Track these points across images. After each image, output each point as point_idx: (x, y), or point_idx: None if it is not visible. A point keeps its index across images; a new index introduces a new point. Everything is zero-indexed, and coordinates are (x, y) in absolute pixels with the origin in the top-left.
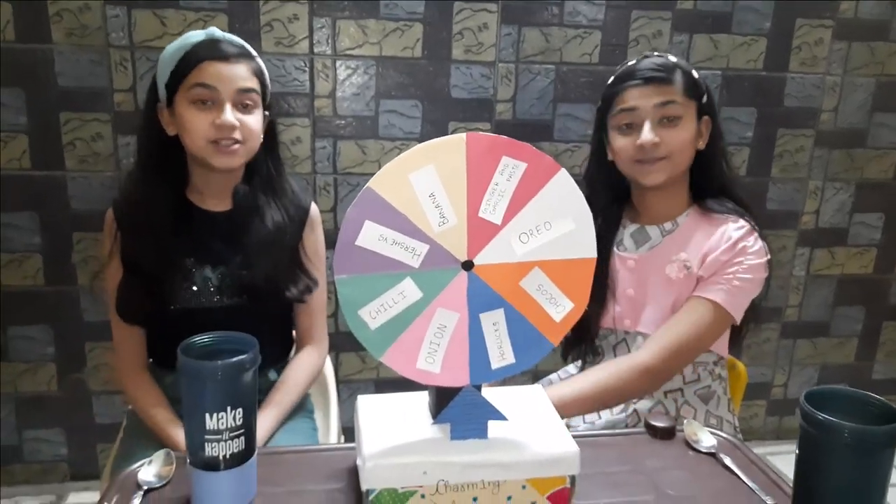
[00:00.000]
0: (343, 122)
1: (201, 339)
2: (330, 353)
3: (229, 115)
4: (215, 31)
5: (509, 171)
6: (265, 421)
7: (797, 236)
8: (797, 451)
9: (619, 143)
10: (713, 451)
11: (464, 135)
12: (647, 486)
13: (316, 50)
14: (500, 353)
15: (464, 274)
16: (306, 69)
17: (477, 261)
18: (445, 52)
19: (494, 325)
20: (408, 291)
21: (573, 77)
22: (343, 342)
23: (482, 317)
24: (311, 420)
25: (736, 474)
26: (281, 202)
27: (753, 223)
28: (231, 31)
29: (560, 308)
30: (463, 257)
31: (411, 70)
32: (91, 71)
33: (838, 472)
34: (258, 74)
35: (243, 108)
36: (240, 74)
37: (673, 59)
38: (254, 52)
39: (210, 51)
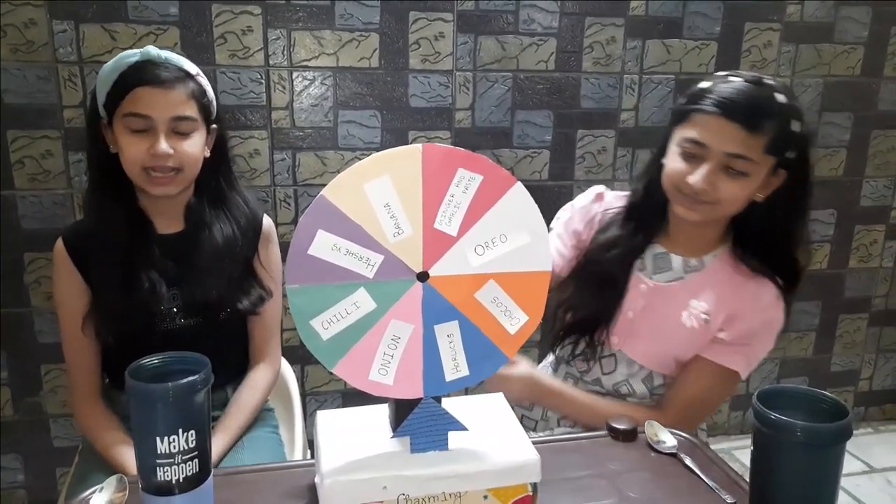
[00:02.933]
0: (301, 133)
1: (150, 360)
2: (296, 365)
3: (163, 144)
4: (151, 51)
5: (465, 182)
6: (215, 446)
7: None
8: (752, 449)
9: (672, 166)
10: (674, 451)
11: (420, 145)
12: (609, 489)
13: (271, 62)
14: (455, 366)
15: (419, 285)
16: (262, 81)
17: (432, 272)
18: (403, 61)
19: (449, 336)
20: (361, 302)
21: (530, 84)
22: (309, 354)
23: (437, 328)
24: (276, 435)
25: (697, 474)
26: (231, 215)
27: (783, 290)
28: (183, 44)
29: (515, 321)
30: (418, 268)
31: (369, 80)
32: (39, 87)
33: (792, 468)
34: (196, 96)
35: (180, 134)
36: (175, 101)
37: (781, 96)
38: (193, 71)
39: (145, 75)
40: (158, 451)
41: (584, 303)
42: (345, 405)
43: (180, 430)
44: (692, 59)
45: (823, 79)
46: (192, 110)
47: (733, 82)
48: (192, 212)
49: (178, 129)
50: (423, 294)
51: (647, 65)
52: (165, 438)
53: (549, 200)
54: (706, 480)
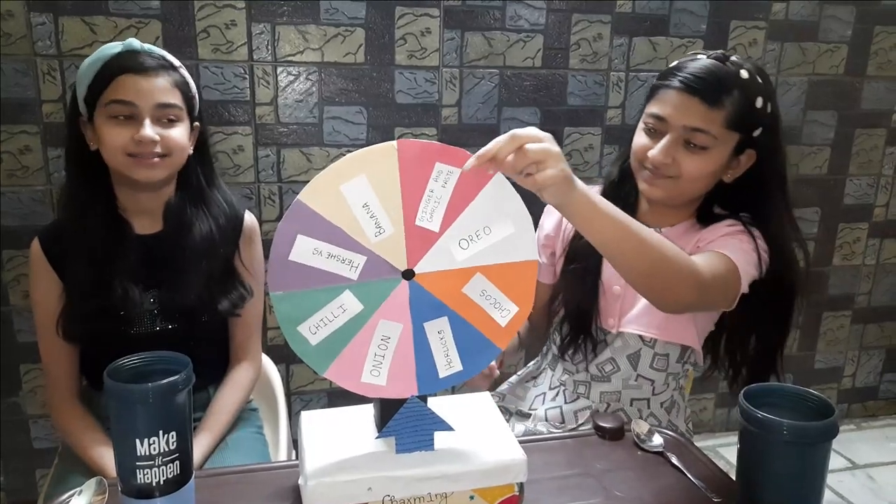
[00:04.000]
0: (286, 129)
1: (130, 360)
2: (280, 364)
3: (149, 129)
4: (133, 42)
5: (444, 177)
6: (198, 447)
7: None
8: (738, 447)
9: (637, 141)
10: (661, 450)
11: (394, 142)
12: (596, 488)
13: (255, 56)
14: (448, 362)
15: (405, 283)
16: (246, 76)
17: (418, 269)
18: (389, 57)
19: (440, 333)
20: (348, 304)
21: (517, 81)
22: (294, 353)
23: (426, 326)
24: (261, 435)
25: (683, 472)
26: (211, 213)
27: (751, 229)
28: (165, 37)
29: (505, 312)
30: (403, 266)
31: (355, 76)
32: (17, 81)
33: (778, 466)
34: (180, 87)
35: (165, 122)
36: (159, 87)
37: (745, 72)
38: (176, 63)
39: (127, 63)
40: (138, 453)
41: (569, 294)
42: (331, 405)
43: (161, 432)
44: (678, 57)
45: (808, 77)
46: (176, 98)
47: (699, 60)
48: (172, 211)
49: (164, 116)
50: (410, 292)
51: (633, 62)
52: (146, 440)
53: (536, 197)
54: (693, 479)
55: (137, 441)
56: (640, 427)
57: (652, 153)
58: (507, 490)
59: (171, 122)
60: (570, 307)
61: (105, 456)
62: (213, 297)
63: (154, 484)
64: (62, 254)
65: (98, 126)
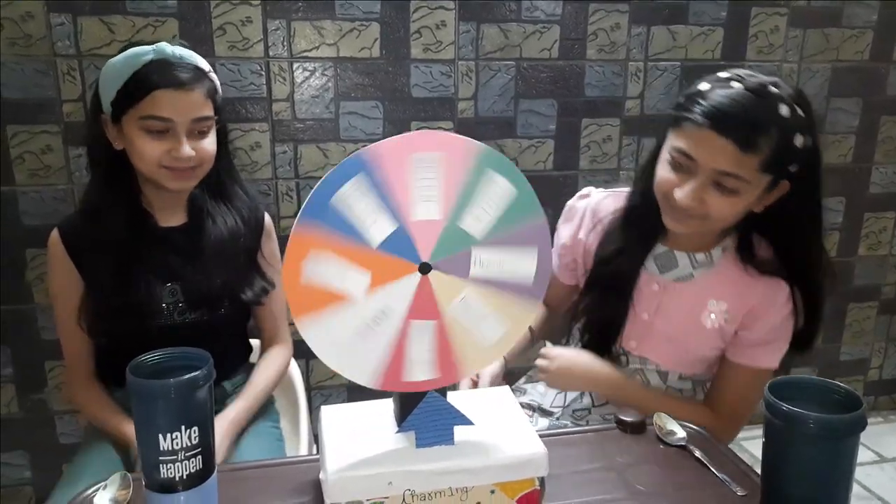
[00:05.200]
0: (303, 125)
1: (151, 356)
2: (301, 359)
3: (187, 148)
4: (165, 49)
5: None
6: (231, 410)
7: None
8: (763, 441)
9: (662, 175)
10: (683, 443)
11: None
12: (618, 482)
13: (271, 53)
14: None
15: (423, 277)
16: (262, 73)
17: (434, 260)
18: (404, 51)
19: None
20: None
21: (534, 73)
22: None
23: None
24: (277, 429)
25: (706, 466)
26: (234, 206)
27: (792, 289)
28: (182, 36)
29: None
30: (417, 262)
31: (370, 70)
32: (37, 81)
33: (804, 460)
34: (212, 95)
35: (198, 134)
36: (196, 102)
37: (784, 108)
38: (206, 68)
39: (164, 77)
40: (161, 448)
41: (594, 307)
42: (350, 399)
43: (183, 427)
44: (698, 46)
45: (831, 64)
46: (209, 110)
47: (732, 89)
48: (196, 204)
49: (198, 129)
50: (433, 284)
51: (652, 52)
52: (168, 435)
53: (554, 190)
54: (716, 473)
55: (160, 436)
56: (662, 420)
57: (679, 196)
58: (527, 484)
59: (204, 133)
60: (594, 322)
61: (126, 425)
62: (237, 288)
63: (177, 478)
64: (82, 247)
65: (129, 133)
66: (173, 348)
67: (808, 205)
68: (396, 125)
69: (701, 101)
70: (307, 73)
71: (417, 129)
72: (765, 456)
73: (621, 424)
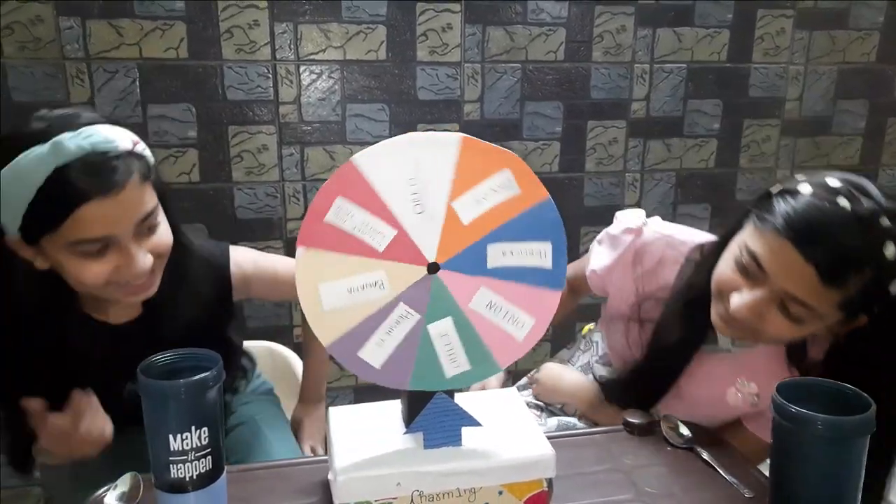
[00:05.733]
0: (309, 128)
1: (162, 357)
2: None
3: (141, 261)
4: (65, 145)
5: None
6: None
7: None
8: (771, 443)
9: (723, 271)
10: (691, 445)
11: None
12: (626, 484)
13: (278, 56)
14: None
15: (427, 277)
16: (269, 76)
17: (444, 266)
18: (410, 53)
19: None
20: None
21: (540, 75)
22: None
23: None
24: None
25: (714, 468)
26: (192, 276)
27: None
28: (190, 39)
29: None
30: (432, 258)
31: (377, 73)
32: (46, 85)
33: (813, 463)
34: (148, 174)
35: (148, 231)
36: (135, 200)
37: (892, 248)
38: (132, 141)
39: (84, 186)
40: (171, 449)
41: (639, 377)
42: (357, 401)
43: (193, 428)
44: (704, 48)
45: (838, 66)
46: (152, 196)
47: (836, 207)
48: (152, 298)
49: (147, 227)
50: (432, 287)
51: (658, 54)
52: (178, 436)
53: (560, 193)
54: (724, 475)
55: (170, 436)
56: (670, 422)
57: (735, 303)
58: (535, 486)
59: (154, 228)
60: (636, 386)
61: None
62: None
63: (187, 479)
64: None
65: (54, 256)
66: (183, 349)
67: (888, 344)
68: (402, 127)
69: (793, 208)
70: (314, 76)
71: (424, 131)
72: (773, 458)
73: (629, 426)
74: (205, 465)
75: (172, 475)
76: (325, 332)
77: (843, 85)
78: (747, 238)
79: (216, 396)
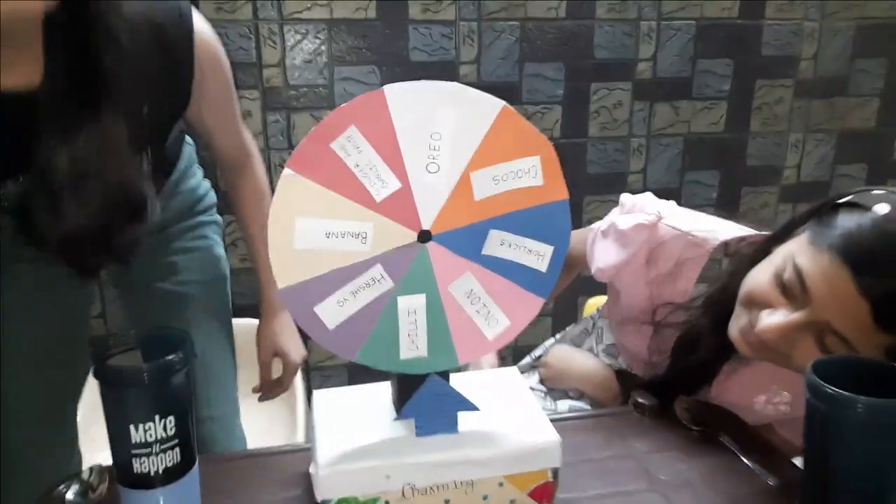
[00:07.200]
0: (295, 92)
1: (119, 338)
2: None
3: None
4: None
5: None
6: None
7: (779, 192)
8: (805, 428)
9: (758, 279)
10: (708, 428)
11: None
12: (638, 471)
13: (260, 14)
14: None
15: (416, 244)
16: (251, 36)
17: (435, 229)
18: (401, 12)
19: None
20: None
21: (539, 34)
22: None
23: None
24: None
25: (735, 453)
26: (124, 31)
27: None
28: None
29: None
30: (417, 228)
31: (366, 33)
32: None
33: (852, 448)
34: None
35: None
36: None
37: None
38: None
39: None
40: (133, 441)
41: (663, 380)
42: (351, 381)
43: (157, 417)
44: (714, 3)
45: (856, 22)
46: None
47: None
48: (54, 51)
49: None
50: (431, 257)
51: (665, 10)
52: (140, 426)
53: (562, 159)
54: (746, 461)
55: (132, 427)
56: (684, 402)
57: (764, 325)
58: (540, 476)
59: None
60: (651, 384)
61: None
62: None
63: (153, 473)
64: None
65: None
66: (142, 330)
67: None
68: None
69: (859, 228)
70: (299, 37)
71: None
72: (807, 443)
73: (639, 407)
74: (172, 457)
75: (136, 470)
76: (286, 273)
77: (860, 42)
78: (797, 250)
79: (184, 381)
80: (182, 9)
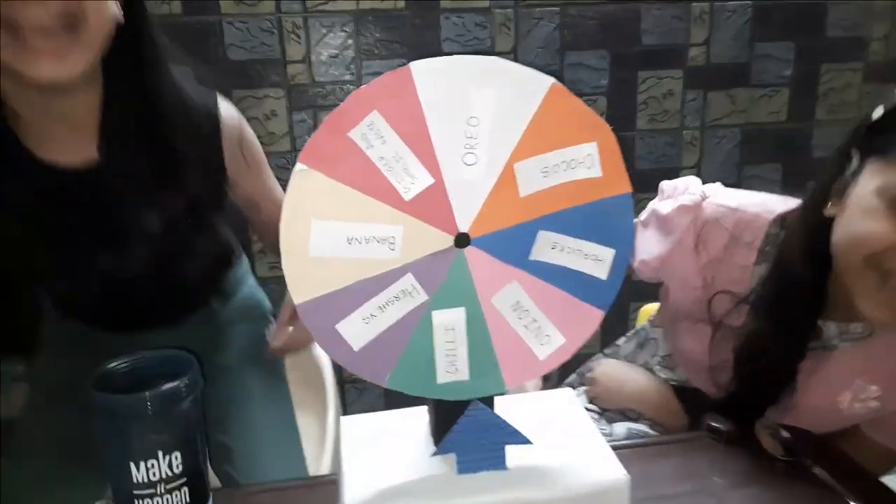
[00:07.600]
0: (322, 90)
1: (118, 363)
2: None
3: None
4: None
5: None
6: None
7: None
8: None
9: (868, 229)
10: (796, 456)
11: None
12: None
13: (283, 8)
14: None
15: (453, 250)
16: (274, 31)
17: (474, 232)
18: (432, 1)
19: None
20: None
21: (581, 20)
22: None
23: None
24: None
25: (833, 487)
26: (165, 112)
27: None
28: None
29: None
30: (454, 231)
31: (395, 24)
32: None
33: None
34: None
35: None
36: None
37: None
38: None
39: None
40: (134, 480)
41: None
42: (388, 396)
43: (160, 453)
44: None
45: None
46: None
47: None
48: (110, 129)
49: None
50: (469, 263)
51: None
52: (142, 464)
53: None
54: (845, 496)
55: (132, 465)
56: (767, 426)
57: None
58: None
59: None
60: (718, 401)
61: None
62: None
63: None
64: None
65: None
66: (146, 351)
67: None
68: None
69: None
70: (324, 30)
71: None
72: None
73: (714, 432)
74: (180, 498)
75: None
76: (302, 286)
77: None
78: (882, 177)
79: (192, 409)
80: (211, 92)
